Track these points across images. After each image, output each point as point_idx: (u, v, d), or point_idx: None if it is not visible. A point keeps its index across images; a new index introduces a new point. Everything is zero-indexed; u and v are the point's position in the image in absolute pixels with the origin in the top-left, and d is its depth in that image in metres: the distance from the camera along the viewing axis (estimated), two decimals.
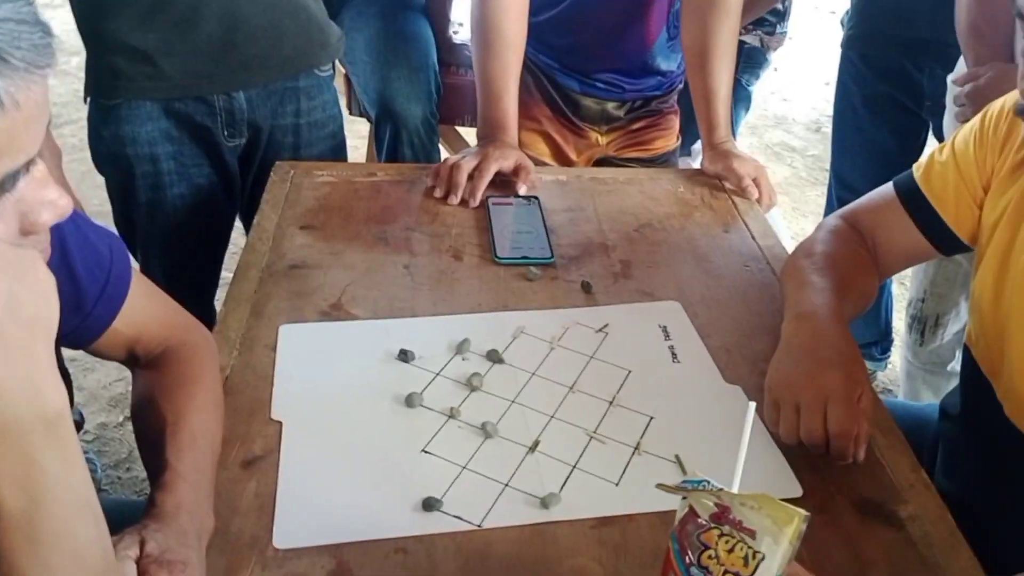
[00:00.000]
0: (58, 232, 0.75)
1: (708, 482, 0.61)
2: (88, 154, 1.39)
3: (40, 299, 0.51)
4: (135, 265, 0.87)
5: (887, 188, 1.04)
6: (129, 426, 2.00)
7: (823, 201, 2.24)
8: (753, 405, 0.60)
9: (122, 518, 0.73)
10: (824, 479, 0.83)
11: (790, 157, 3.71)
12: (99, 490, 1.75)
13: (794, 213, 3.22)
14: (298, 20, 1.36)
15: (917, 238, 1.00)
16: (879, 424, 0.90)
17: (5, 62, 0.45)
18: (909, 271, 1.83)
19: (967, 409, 1.00)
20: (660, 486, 0.62)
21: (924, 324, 1.75)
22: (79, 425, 1.81)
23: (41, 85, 0.48)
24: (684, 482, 0.61)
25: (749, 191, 1.34)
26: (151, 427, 0.77)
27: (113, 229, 1.48)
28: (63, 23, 1.30)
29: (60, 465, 0.51)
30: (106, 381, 2.08)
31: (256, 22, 1.31)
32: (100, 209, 1.51)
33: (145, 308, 0.84)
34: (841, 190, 1.97)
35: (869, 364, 2.20)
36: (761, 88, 4.16)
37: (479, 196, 1.25)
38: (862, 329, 2.13)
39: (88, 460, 1.73)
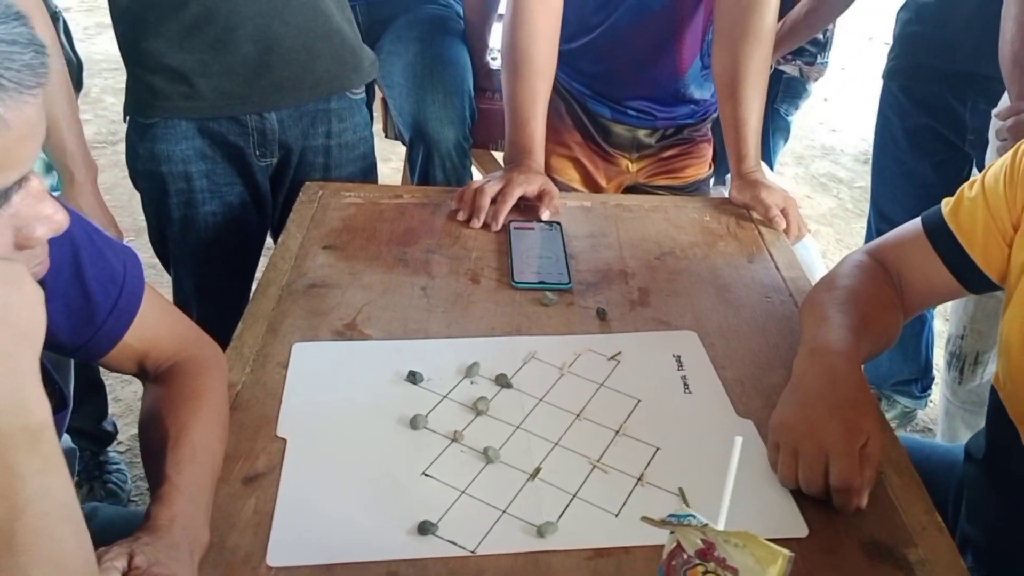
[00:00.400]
0: (72, 247, 0.77)
1: (694, 517, 0.59)
2: None
3: (26, 312, 0.52)
4: (161, 280, 0.89)
5: (914, 223, 1.01)
6: None
7: None
8: (739, 440, 0.59)
9: (126, 525, 0.74)
10: (832, 519, 0.81)
11: (836, 188, 3.66)
12: (128, 501, 1.79)
13: (838, 245, 3.17)
14: (331, 43, 1.38)
15: (944, 276, 0.97)
16: (894, 463, 0.88)
17: None
18: (949, 305, 1.78)
19: (992, 453, 0.96)
20: (645, 519, 0.61)
21: (963, 362, 1.70)
22: (112, 436, 1.84)
23: (33, 104, 0.49)
24: (671, 516, 0.60)
25: (776, 221, 1.32)
26: (154, 439, 0.78)
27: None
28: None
29: (41, 476, 0.52)
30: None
31: (290, 44, 1.33)
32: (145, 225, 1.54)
33: (157, 323, 0.85)
34: (881, 223, 1.93)
35: (908, 402, 2.14)
36: (809, 118, 4.14)
37: (501, 220, 1.26)
38: (901, 366, 2.08)
39: (119, 471, 1.79)
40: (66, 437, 1.51)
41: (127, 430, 2.02)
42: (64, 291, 0.76)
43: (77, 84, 1.48)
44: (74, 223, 0.76)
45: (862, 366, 0.91)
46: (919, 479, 0.87)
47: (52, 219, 0.54)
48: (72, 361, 1.38)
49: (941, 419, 1.84)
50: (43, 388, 0.53)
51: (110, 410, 1.83)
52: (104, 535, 0.76)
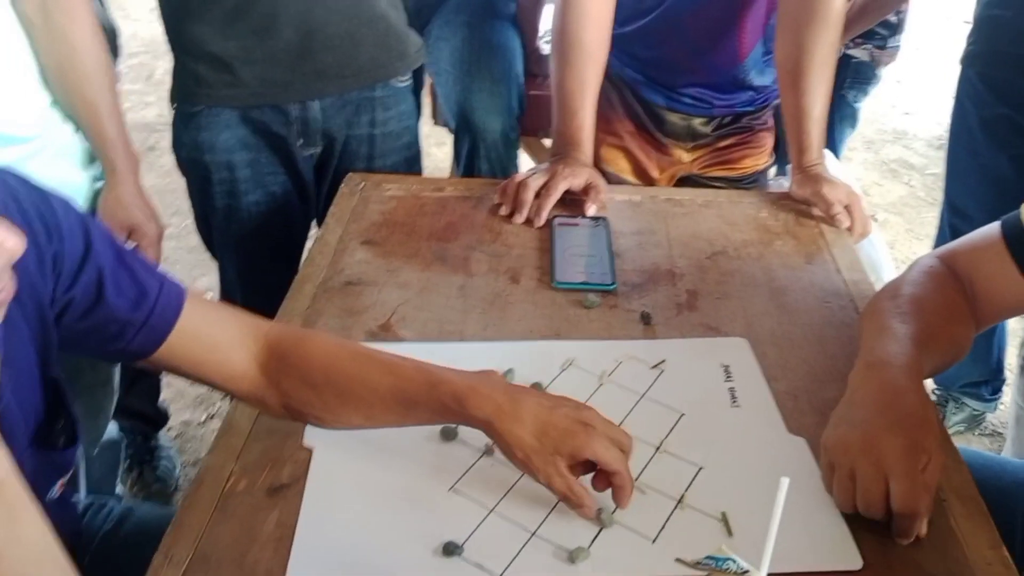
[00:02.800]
0: (97, 267, 0.73)
1: (734, 561, 0.55)
2: None
3: None
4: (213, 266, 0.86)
5: (992, 228, 0.93)
6: (211, 425, 2.05)
7: None
8: (786, 481, 0.53)
9: (160, 527, 0.75)
10: (888, 551, 0.75)
11: (907, 175, 3.50)
12: (175, 489, 1.80)
13: (907, 235, 3.03)
14: (376, 30, 1.35)
15: (1022, 287, 0.90)
16: (957, 489, 0.81)
17: None
18: None
19: None
20: (680, 561, 0.57)
21: None
22: (165, 417, 1.86)
23: None
24: (708, 559, 0.56)
25: (839, 219, 1.24)
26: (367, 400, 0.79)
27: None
28: None
29: (10, 526, 0.52)
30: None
31: (333, 31, 1.30)
32: None
33: (228, 330, 0.81)
34: (953, 216, 1.83)
35: (977, 405, 2.04)
36: (880, 100, 3.97)
37: (544, 216, 1.21)
38: (970, 367, 1.97)
39: (168, 458, 1.80)
40: (112, 426, 1.52)
41: (178, 415, 2.04)
42: (86, 311, 0.73)
43: (113, 51, 1.46)
44: (102, 244, 0.73)
45: (924, 382, 0.84)
46: (984, 508, 0.80)
47: (2, 246, 0.52)
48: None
49: (1011, 426, 1.74)
50: (2, 443, 0.53)
51: (161, 395, 1.84)
52: (139, 535, 0.75)
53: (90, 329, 0.74)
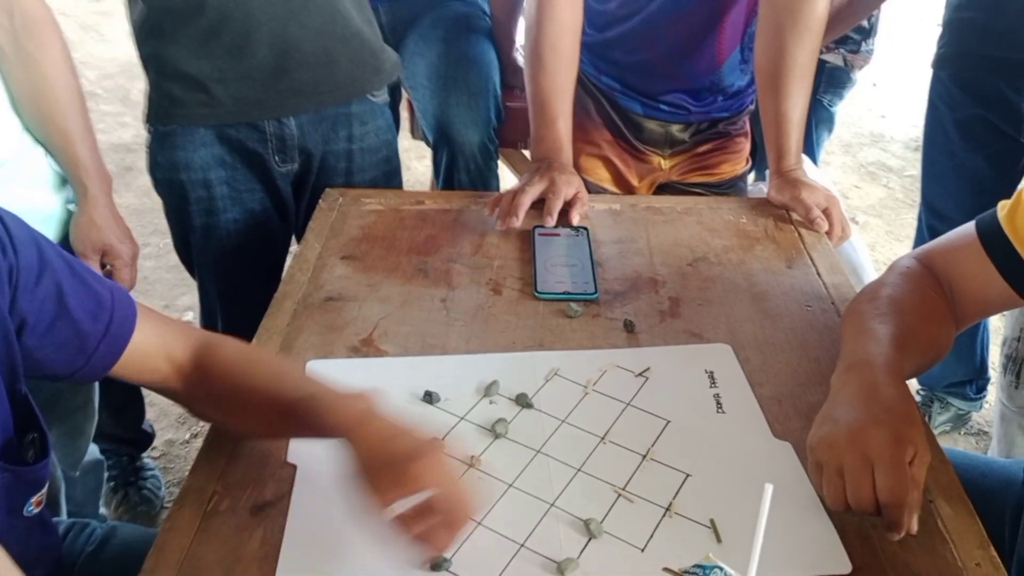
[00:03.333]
0: (53, 275, 0.74)
1: (721, 569, 0.54)
2: None
3: None
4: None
5: (967, 228, 0.93)
6: (195, 444, 2.03)
7: None
8: (770, 488, 0.53)
9: (144, 547, 0.74)
10: (877, 554, 0.75)
11: (886, 177, 3.53)
12: (161, 509, 1.78)
13: (887, 237, 3.06)
14: (350, 46, 1.34)
15: (1000, 285, 0.90)
16: (944, 490, 0.81)
17: None
18: None
19: None
20: (668, 571, 0.56)
21: (1020, 365, 1.61)
22: (150, 438, 1.84)
23: None
24: (695, 567, 0.55)
25: (818, 223, 1.25)
26: (255, 411, 0.80)
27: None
28: None
29: None
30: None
31: (308, 48, 1.30)
32: None
33: (159, 334, 0.83)
34: (931, 218, 1.84)
35: (962, 404, 2.05)
36: (857, 104, 4.00)
37: (555, 216, 1.21)
38: (955, 367, 1.98)
39: (154, 477, 1.79)
40: (93, 447, 1.50)
41: (161, 435, 2.01)
42: (50, 324, 0.74)
43: None
44: (55, 256, 0.74)
45: (906, 382, 0.84)
46: (972, 508, 0.80)
47: None
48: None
49: (996, 425, 1.75)
50: None
51: (146, 415, 1.83)
52: (123, 556, 0.74)
53: (53, 345, 0.74)
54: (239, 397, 0.80)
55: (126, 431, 1.76)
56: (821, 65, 2.01)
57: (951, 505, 0.80)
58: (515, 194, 1.23)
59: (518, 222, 1.21)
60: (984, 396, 2.06)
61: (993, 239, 0.90)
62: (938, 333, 0.91)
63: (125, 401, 1.69)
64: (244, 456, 0.83)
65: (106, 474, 1.72)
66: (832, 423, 0.78)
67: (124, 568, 0.74)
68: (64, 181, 1.21)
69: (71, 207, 1.23)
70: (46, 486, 0.76)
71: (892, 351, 0.84)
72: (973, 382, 2.02)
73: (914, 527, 0.73)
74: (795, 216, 1.28)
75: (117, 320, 0.77)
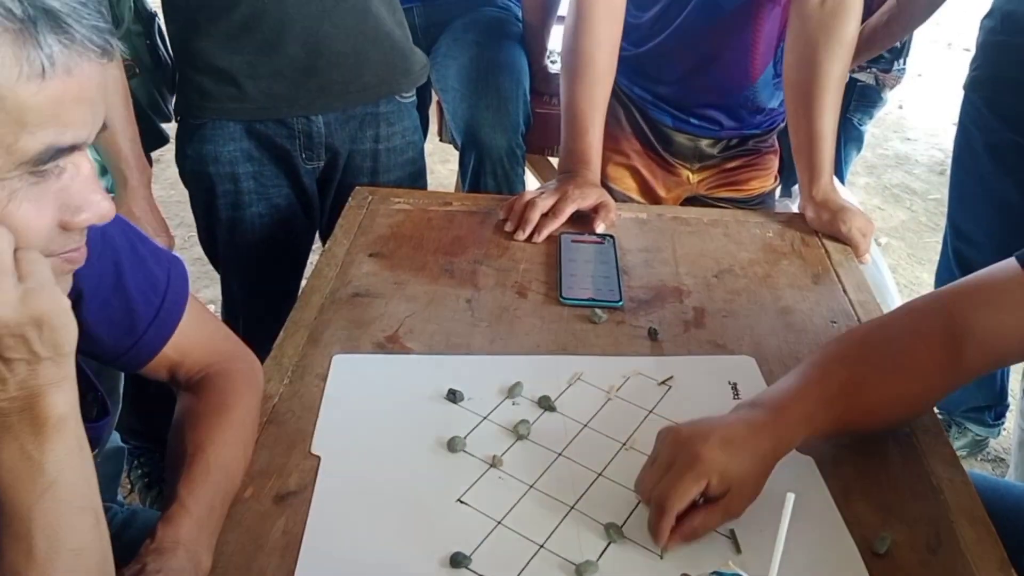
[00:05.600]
0: (114, 254, 0.75)
1: None
2: None
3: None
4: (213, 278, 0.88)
5: (1007, 263, 0.86)
6: None
7: None
8: (792, 497, 0.53)
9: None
10: (897, 573, 0.74)
11: (909, 200, 3.52)
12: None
13: (910, 260, 3.04)
14: (381, 47, 1.36)
15: None
16: (967, 512, 0.81)
17: (63, 30, 0.48)
18: None
19: None
20: None
21: None
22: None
23: (96, 67, 0.50)
24: (714, 573, 0.55)
25: (865, 259, 1.24)
26: (174, 453, 0.77)
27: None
28: None
29: (60, 466, 0.54)
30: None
31: (339, 48, 1.31)
32: None
33: (195, 333, 0.84)
34: (957, 241, 1.83)
35: (980, 430, 2.03)
36: (882, 126, 3.99)
37: (545, 235, 1.21)
38: (975, 392, 1.97)
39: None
40: (115, 435, 1.51)
41: None
42: (105, 300, 0.76)
43: (171, 87, 1.49)
44: (117, 232, 0.75)
45: (801, 440, 0.79)
46: (993, 530, 0.79)
47: (99, 205, 0.54)
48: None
49: (1015, 451, 1.73)
50: (73, 381, 0.55)
51: None
52: (142, 540, 0.74)
53: (107, 322, 0.75)
54: (171, 437, 0.80)
55: (158, 432, 1.77)
56: (852, 83, 2.01)
57: (973, 527, 0.79)
58: (526, 205, 1.24)
59: (524, 236, 1.21)
60: (1003, 423, 2.05)
61: None
62: (907, 391, 0.84)
63: (158, 404, 1.70)
64: (269, 446, 0.84)
65: (140, 470, 1.74)
66: (695, 425, 0.78)
67: None
68: (104, 171, 1.23)
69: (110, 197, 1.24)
70: (100, 448, 0.77)
71: (811, 406, 0.79)
72: (992, 408, 2.00)
73: (661, 540, 0.73)
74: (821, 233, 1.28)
75: (168, 305, 0.78)
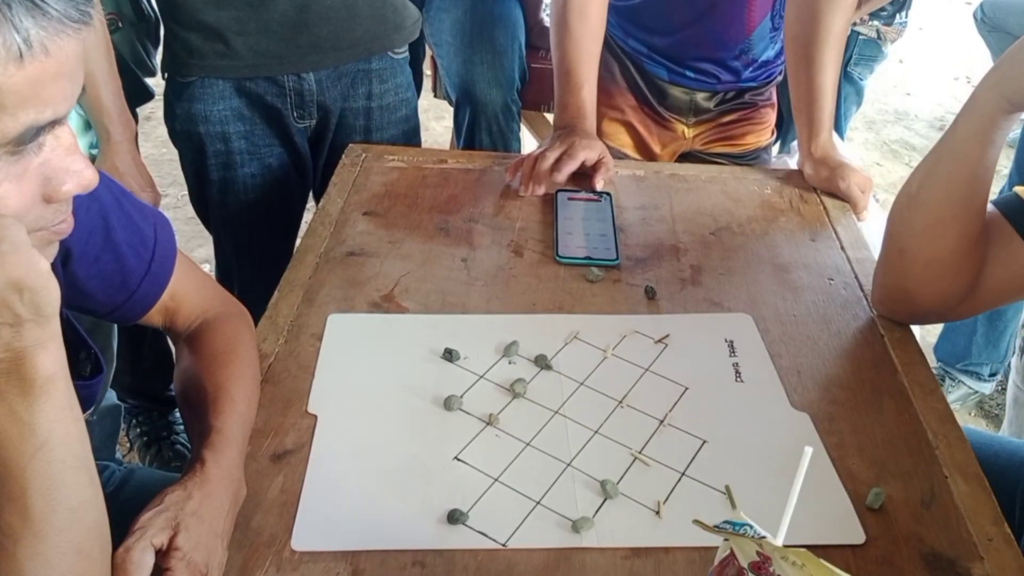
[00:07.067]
0: (101, 212, 0.75)
1: (751, 527, 0.55)
2: None
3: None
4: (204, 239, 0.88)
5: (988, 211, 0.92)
6: None
7: None
8: (809, 451, 0.53)
9: (161, 490, 0.73)
10: (891, 527, 0.75)
11: (908, 156, 3.50)
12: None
13: None
14: (372, 2, 1.33)
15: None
16: (960, 467, 0.81)
17: (40, 9, 0.46)
18: None
19: None
20: (698, 523, 0.57)
21: None
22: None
23: (74, 41, 0.48)
24: (725, 522, 0.55)
25: (863, 216, 1.23)
26: (194, 396, 0.78)
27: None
28: None
29: (52, 425, 0.54)
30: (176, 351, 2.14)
31: (329, 3, 1.29)
32: None
33: (186, 282, 0.85)
34: None
35: (973, 383, 2.05)
36: (882, 81, 3.95)
37: (564, 178, 1.20)
38: (980, 351, 1.98)
39: (184, 431, 1.80)
40: (111, 393, 1.52)
41: None
42: (96, 257, 0.75)
43: (155, 41, 1.46)
44: (103, 188, 0.75)
45: None
46: (987, 485, 0.80)
47: (82, 175, 0.53)
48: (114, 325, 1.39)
49: (1009, 407, 1.75)
50: (59, 341, 0.54)
51: None
52: (141, 498, 0.75)
53: (99, 277, 0.75)
54: (186, 382, 0.81)
55: (154, 389, 1.77)
56: (853, 36, 1.98)
57: (967, 482, 0.80)
58: (536, 159, 1.23)
59: (541, 189, 1.21)
60: (996, 379, 2.06)
61: (1018, 213, 0.89)
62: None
63: (154, 364, 1.71)
64: (265, 405, 0.84)
65: (138, 429, 1.74)
66: None
67: (142, 510, 0.75)
68: (88, 125, 1.21)
69: (94, 152, 1.23)
70: (95, 406, 0.78)
71: None
72: (989, 365, 2.02)
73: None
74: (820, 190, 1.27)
75: (158, 259, 0.79)
